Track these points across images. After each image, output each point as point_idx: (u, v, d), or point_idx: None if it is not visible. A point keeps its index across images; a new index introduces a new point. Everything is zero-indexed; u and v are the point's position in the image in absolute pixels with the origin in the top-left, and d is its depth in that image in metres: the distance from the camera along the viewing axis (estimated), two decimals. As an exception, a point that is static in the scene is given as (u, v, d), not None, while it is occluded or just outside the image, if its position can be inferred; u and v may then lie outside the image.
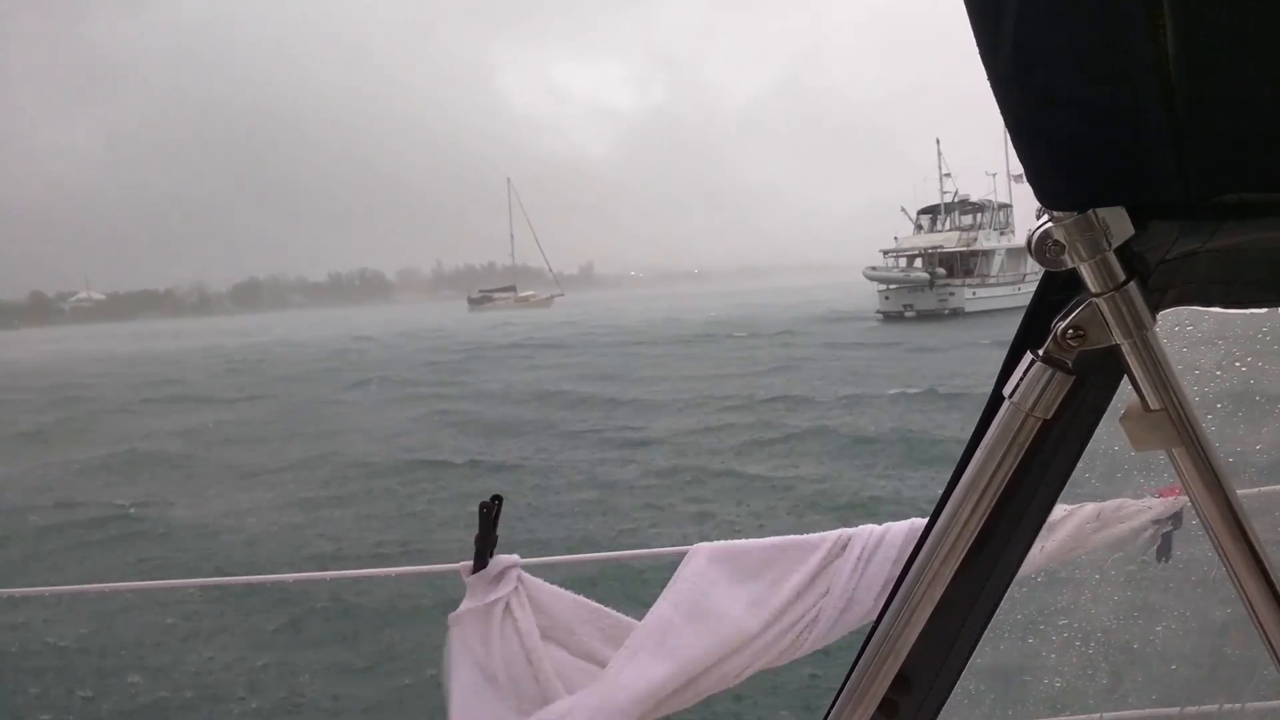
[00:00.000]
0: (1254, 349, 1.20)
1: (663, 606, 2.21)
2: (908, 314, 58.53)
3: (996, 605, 1.05)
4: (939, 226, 66.52)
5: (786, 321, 63.60)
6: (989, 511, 0.94)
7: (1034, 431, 0.90)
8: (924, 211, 68.80)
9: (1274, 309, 0.90)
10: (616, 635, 2.27)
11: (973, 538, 0.96)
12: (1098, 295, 0.81)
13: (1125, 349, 0.84)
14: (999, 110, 0.73)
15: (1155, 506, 2.28)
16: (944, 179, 69.41)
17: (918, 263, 62.34)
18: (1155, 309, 0.85)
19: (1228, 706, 2.09)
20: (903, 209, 70.49)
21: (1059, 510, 2.30)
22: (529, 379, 35.87)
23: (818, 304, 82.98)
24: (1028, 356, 0.88)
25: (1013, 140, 0.76)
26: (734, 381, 31.17)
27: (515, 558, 2.29)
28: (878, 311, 61.45)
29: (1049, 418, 0.89)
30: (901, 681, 1.05)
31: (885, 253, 65.59)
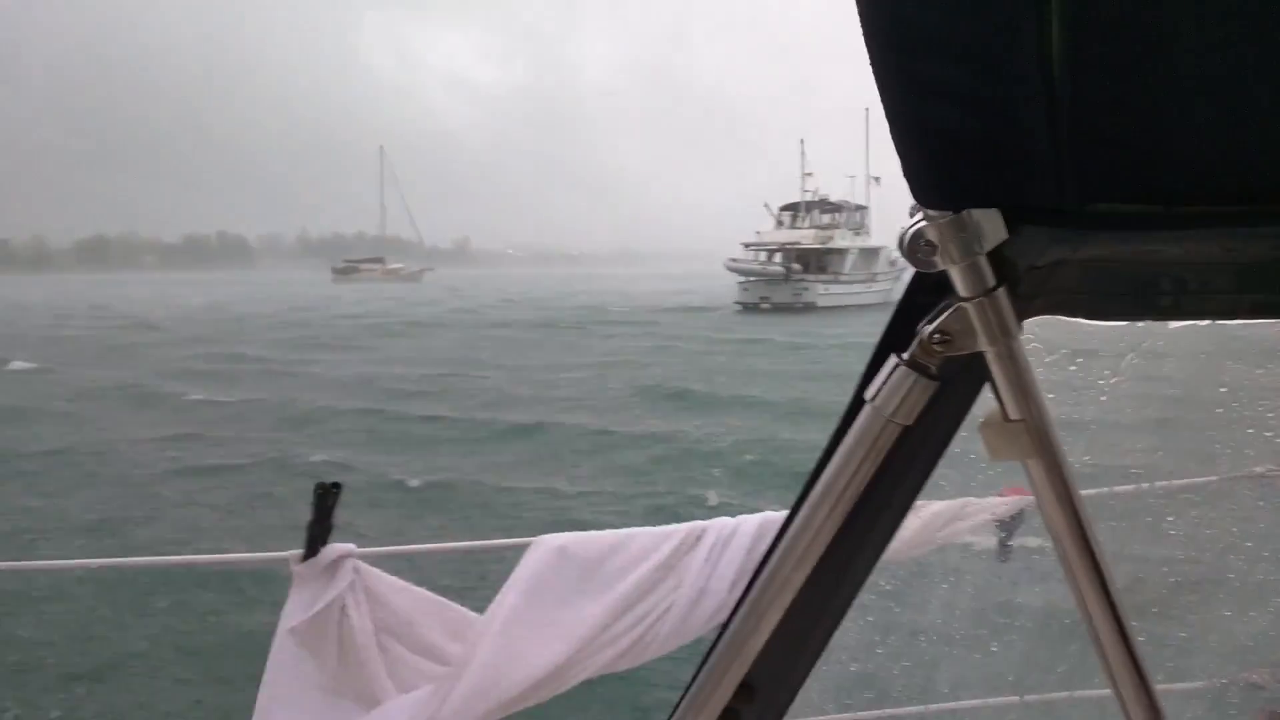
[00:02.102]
0: (1113, 363, 1.20)
1: (505, 600, 2.06)
2: (764, 305, 60.12)
3: (845, 612, 1.02)
4: (799, 224, 68.54)
5: (634, 310, 63.20)
6: (844, 518, 0.91)
7: (894, 437, 0.87)
8: (785, 208, 70.77)
9: (1133, 322, 0.88)
10: (459, 629, 2.12)
11: (826, 543, 0.92)
12: (966, 299, 0.78)
13: (990, 356, 0.82)
14: (880, 99, 0.68)
15: (998, 506, 2.29)
16: (805, 178, 71.54)
17: (777, 257, 64.11)
18: (1022, 316, 0.82)
19: (1058, 695, 2.13)
20: (765, 205, 72.32)
21: None
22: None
23: (685, 293, 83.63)
24: (891, 360, 0.84)
25: (891, 132, 0.70)
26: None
27: (350, 546, 2.11)
28: (736, 302, 62.87)
29: (910, 424, 0.86)
30: (745, 690, 1.00)
31: (746, 246, 67.07)
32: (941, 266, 0.76)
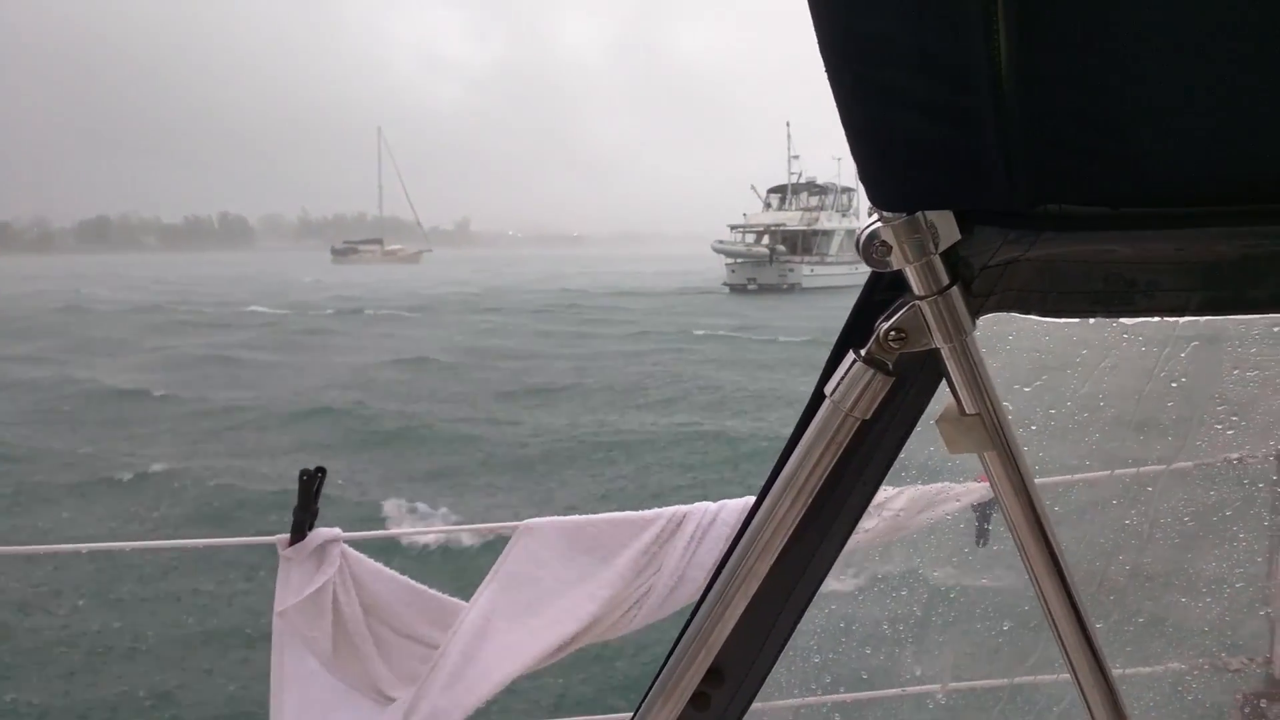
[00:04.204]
0: (1065, 357, 1.20)
1: (489, 590, 2.05)
2: (750, 287, 60.07)
3: (810, 599, 1.04)
4: (786, 206, 68.29)
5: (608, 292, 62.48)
6: (805, 508, 0.92)
7: (852, 431, 0.88)
8: (773, 190, 70.56)
9: (1085, 319, 0.88)
10: (440, 617, 2.14)
11: (788, 534, 0.94)
12: (921, 298, 0.80)
13: (945, 353, 0.83)
14: (835, 104, 0.68)
15: (976, 491, 2.26)
16: (792, 160, 71.20)
17: (765, 239, 63.94)
18: (976, 314, 0.83)
19: (1014, 680, 2.11)
20: (752, 187, 72.22)
21: (883, 492, 2.24)
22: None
23: (680, 275, 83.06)
24: (849, 356, 0.86)
25: (846, 136, 0.70)
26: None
27: (336, 531, 2.09)
28: (724, 283, 62.77)
29: (868, 418, 0.87)
30: (714, 674, 1.03)
31: (733, 228, 66.86)
32: (896, 266, 0.77)
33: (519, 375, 23.96)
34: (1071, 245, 0.79)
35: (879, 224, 0.75)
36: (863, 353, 0.84)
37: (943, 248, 0.76)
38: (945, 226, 0.75)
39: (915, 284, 0.78)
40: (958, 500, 2.29)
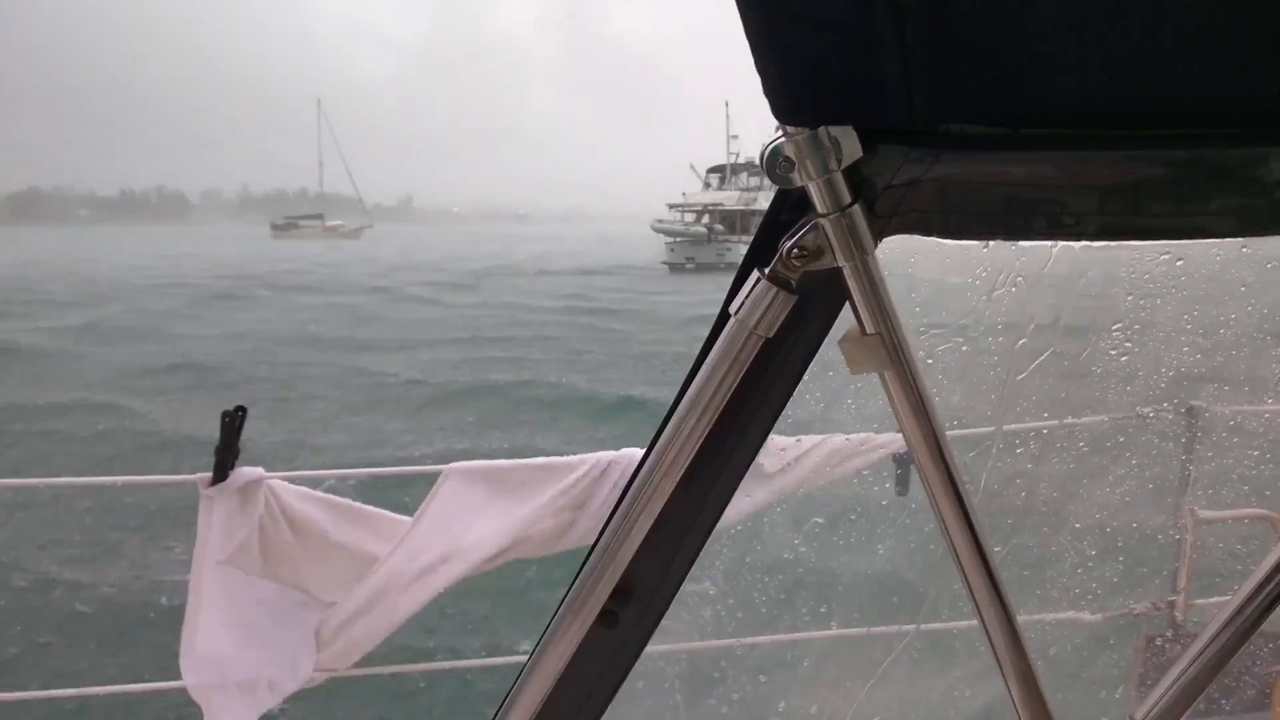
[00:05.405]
0: (965, 280, 1.18)
1: (417, 529, 2.04)
2: (689, 266, 60.33)
3: (717, 520, 1.03)
4: (726, 186, 68.59)
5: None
6: (710, 427, 0.91)
7: (756, 349, 0.87)
8: (712, 170, 70.75)
9: (985, 242, 0.88)
10: (371, 526, 2.14)
11: (694, 453, 0.93)
12: (823, 216, 0.79)
13: (846, 272, 0.82)
14: (739, 16, 0.67)
15: (897, 441, 2.27)
16: (730, 140, 71.40)
17: (704, 219, 64.21)
18: (878, 235, 0.82)
19: (909, 627, 2.14)
20: (691, 166, 72.26)
21: (807, 440, 2.24)
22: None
23: (617, 255, 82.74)
24: (754, 274, 0.85)
25: (751, 51, 0.69)
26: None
27: (259, 471, 2.03)
28: (663, 262, 62.94)
29: (771, 336, 0.87)
30: (621, 593, 1.02)
31: (671, 207, 66.97)
32: (799, 183, 0.76)
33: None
34: (972, 166, 0.77)
35: (782, 139, 0.75)
36: (767, 271, 0.83)
37: (845, 164, 0.75)
38: (848, 143, 0.74)
39: (818, 201, 0.77)
40: (881, 450, 2.30)
